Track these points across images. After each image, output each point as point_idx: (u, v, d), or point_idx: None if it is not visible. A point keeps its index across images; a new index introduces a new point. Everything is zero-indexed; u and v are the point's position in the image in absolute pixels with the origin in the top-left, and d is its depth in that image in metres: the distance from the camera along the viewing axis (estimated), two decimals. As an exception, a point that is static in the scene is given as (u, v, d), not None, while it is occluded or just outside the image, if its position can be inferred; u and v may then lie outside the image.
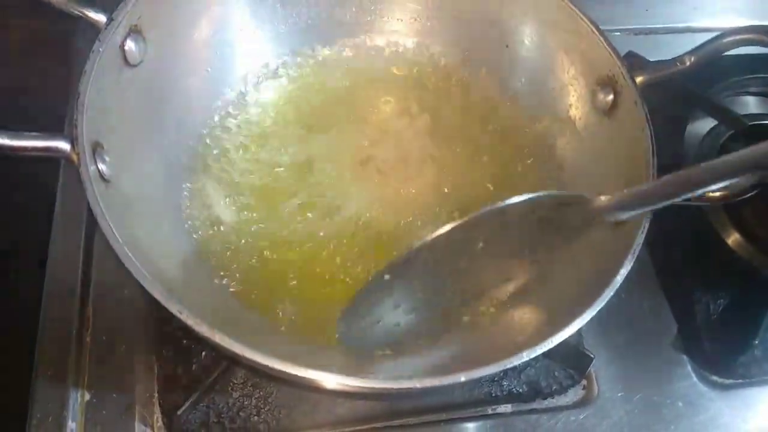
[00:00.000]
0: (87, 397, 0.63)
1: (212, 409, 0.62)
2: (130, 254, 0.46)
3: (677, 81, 0.66)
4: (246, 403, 0.63)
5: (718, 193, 0.56)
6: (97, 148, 0.53)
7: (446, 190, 0.69)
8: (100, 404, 0.62)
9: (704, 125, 0.83)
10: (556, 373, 0.68)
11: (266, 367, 0.44)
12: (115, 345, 0.65)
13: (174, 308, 0.44)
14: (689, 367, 0.70)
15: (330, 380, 0.44)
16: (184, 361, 0.64)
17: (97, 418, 0.62)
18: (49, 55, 0.78)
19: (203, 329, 0.44)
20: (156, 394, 0.63)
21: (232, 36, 0.71)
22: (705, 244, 0.75)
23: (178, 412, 0.61)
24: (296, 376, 0.44)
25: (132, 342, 0.65)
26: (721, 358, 0.70)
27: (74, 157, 0.50)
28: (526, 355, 0.47)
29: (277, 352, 0.45)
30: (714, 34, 0.64)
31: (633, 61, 0.65)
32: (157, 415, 0.62)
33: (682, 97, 0.81)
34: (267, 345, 0.54)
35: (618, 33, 0.95)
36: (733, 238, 0.77)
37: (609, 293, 0.51)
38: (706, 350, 0.70)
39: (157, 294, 0.44)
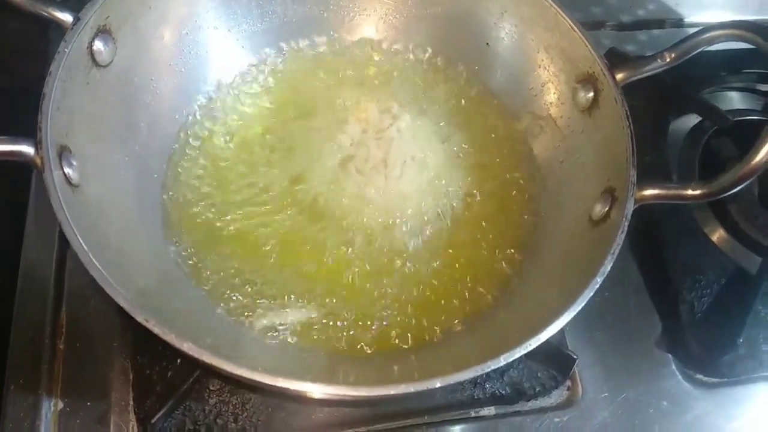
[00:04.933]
0: (60, 405, 0.61)
1: (188, 416, 0.61)
2: (94, 260, 0.45)
3: (661, 77, 0.65)
4: (223, 409, 0.61)
5: (698, 191, 0.55)
6: (63, 152, 0.51)
7: (425, 189, 0.68)
8: (74, 413, 0.61)
9: (688, 122, 0.83)
10: (539, 375, 0.66)
11: (239, 376, 0.44)
12: (89, 352, 0.63)
13: (140, 316, 0.43)
14: (674, 366, 0.70)
15: (298, 387, 0.43)
16: (159, 367, 0.62)
17: (71, 427, 0.60)
18: (26, 55, 0.76)
19: (171, 338, 0.43)
20: (131, 402, 0.62)
21: (205, 35, 0.70)
22: (689, 242, 0.75)
23: (153, 420, 0.59)
24: (267, 384, 0.43)
25: (106, 348, 0.63)
26: (706, 356, 0.69)
27: (38, 161, 0.48)
28: (504, 359, 0.46)
29: (249, 361, 0.44)
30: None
31: (613, 59, 0.65)
32: (133, 423, 0.61)
33: (666, 93, 0.80)
34: (243, 353, 0.54)
35: (602, 29, 0.94)
36: (717, 235, 0.76)
37: (588, 294, 0.50)
38: (690, 349, 0.69)
39: (122, 301, 0.43)
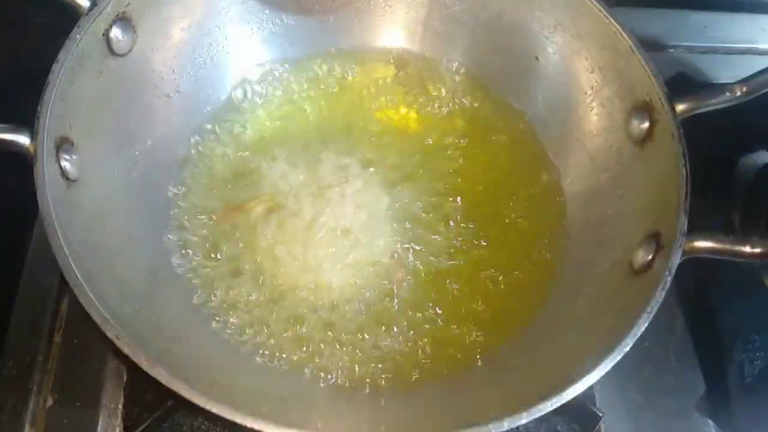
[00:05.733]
0: (50, 402, 0.59)
1: (175, 429, 0.58)
2: (72, 264, 0.43)
3: (729, 107, 0.58)
4: (212, 427, 0.58)
5: (759, 249, 0.48)
6: (63, 144, 0.49)
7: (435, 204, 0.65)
8: (62, 411, 0.59)
9: (759, 159, 0.75)
10: (559, 428, 0.61)
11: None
12: (85, 350, 0.61)
13: (110, 333, 0.40)
14: (714, 434, 0.63)
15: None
16: (152, 374, 0.60)
17: (58, 425, 0.58)
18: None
19: (140, 360, 0.39)
20: (121, 407, 0.59)
21: (226, 33, 0.66)
22: (746, 296, 0.67)
23: (140, 428, 0.57)
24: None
25: (103, 348, 0.61)
26: (752, 427, 0.62)
27: (32, 152, 0.46)
28: (507, 424, 0.41)
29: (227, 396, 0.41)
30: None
31: (676, 87, 0.58)
32: (120, 428, 0.58)
33: (734, 124, 0.72)
34: (230, 374, 0.51)
35: (672, 50, 0.86)
36: (780, 291, 0.68)
37: (616, 357, 0.45)
38: (735, 417, 0.62)
39: (93, 312, 0.41)
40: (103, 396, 0.59)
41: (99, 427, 0.58)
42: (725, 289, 0.68)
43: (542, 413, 0.43)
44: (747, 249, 0.49)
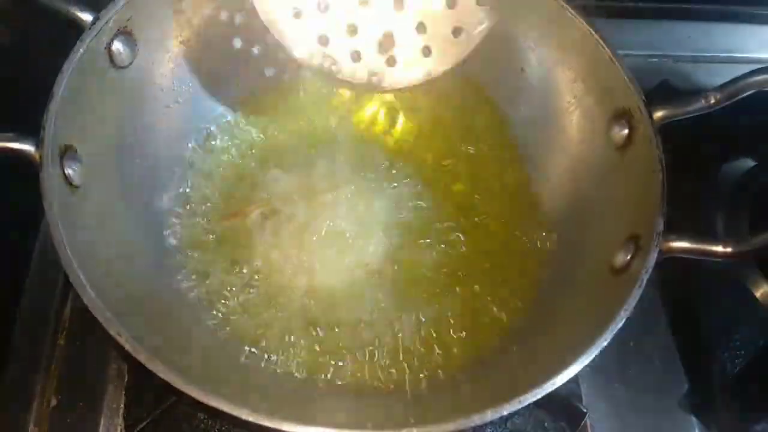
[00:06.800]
0: (54, 402, 0.61)
1: (175, 427, 0.60)
2: (74, 264, 0.45)
3: (712, 116, 0.60)
4: (211, 424, 0.60)
5: (729, 249, 0.50)
6: (68, 152, 0.51)
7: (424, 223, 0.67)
8: (65, 411, 0.60)
9: (741, 166, 0.77)
10: (546, 425, 0.63)
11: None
12: (88, 351, 0.63)
13: (113, 330, 0.42)
14: (698, 430, 0.65)
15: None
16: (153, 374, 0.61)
17: (62, 425, 0.60)
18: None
19: (141, 357, 0.41)
20: (122, 407, 0.61)
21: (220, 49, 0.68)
22: (729, 296, 0.69)
23: (139, 428, 0.58)
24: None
25: (105, 349, 0.63)
26: (736, 424, 0.64)
27: (38, 160, 0.48)
28: (490, 415, 0.43)
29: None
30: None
31: (661, 95, 0.60)
32: (121, 427, 0.60)
33: (717, 133, 0.74)
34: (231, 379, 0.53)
35: (655, 59, 0.88)
36: (762, 292, 0.70)
37: (592, 353, 0.46)
38: (718, 413, 0.64)
39: (96, 311, 0.42)
40: (104, 396, 0.61)
41: (101, 427, 0.60)
42: (707, 289, 0.69)
43: (522, 405, 0.44)
44: (720, 249, 0.51)
